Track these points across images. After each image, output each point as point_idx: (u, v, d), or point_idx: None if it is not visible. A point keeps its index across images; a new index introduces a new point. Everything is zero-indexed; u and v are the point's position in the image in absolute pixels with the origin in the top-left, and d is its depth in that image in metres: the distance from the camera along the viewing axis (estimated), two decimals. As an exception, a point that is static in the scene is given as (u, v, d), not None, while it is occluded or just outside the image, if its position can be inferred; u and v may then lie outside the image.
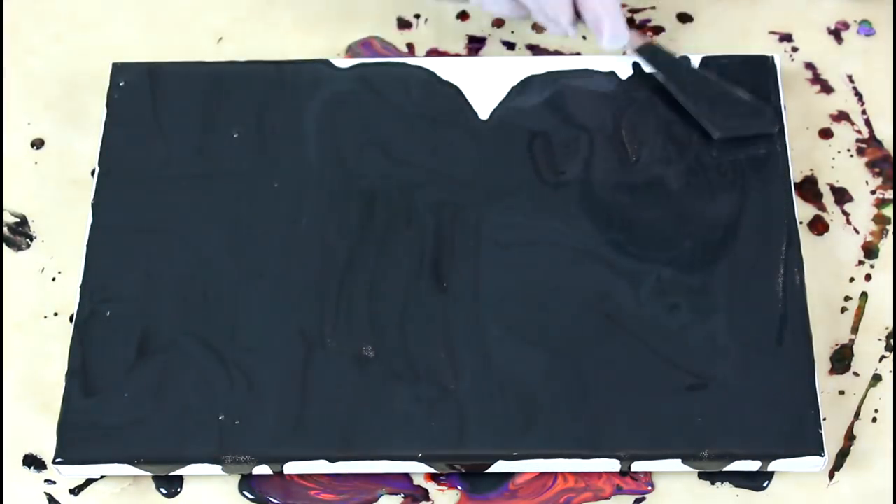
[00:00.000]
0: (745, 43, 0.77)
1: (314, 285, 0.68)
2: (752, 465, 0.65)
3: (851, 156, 0.74)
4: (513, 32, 0.78)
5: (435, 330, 0.67)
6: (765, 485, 0.66)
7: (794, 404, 0.65)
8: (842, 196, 0.73)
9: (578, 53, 0.77)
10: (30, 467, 0.67)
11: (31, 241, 0.72)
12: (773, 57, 0.74)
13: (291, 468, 0.65)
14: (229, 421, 0.65)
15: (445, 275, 0.68)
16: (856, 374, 0.68)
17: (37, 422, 0.68)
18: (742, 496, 0.66)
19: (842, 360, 0.69)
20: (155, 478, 0.67)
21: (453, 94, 0.73)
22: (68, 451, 0.65)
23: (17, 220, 0.73)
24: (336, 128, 0.73)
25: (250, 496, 0.66)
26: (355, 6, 0.79)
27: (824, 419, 0.66)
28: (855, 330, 0.69)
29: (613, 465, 0.65)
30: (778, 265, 0.68)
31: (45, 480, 0.67)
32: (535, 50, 0.77)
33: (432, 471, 0.66)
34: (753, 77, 0.73)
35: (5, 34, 0.78)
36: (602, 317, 0.67)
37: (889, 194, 0.73)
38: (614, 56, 0.75)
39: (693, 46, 0.77)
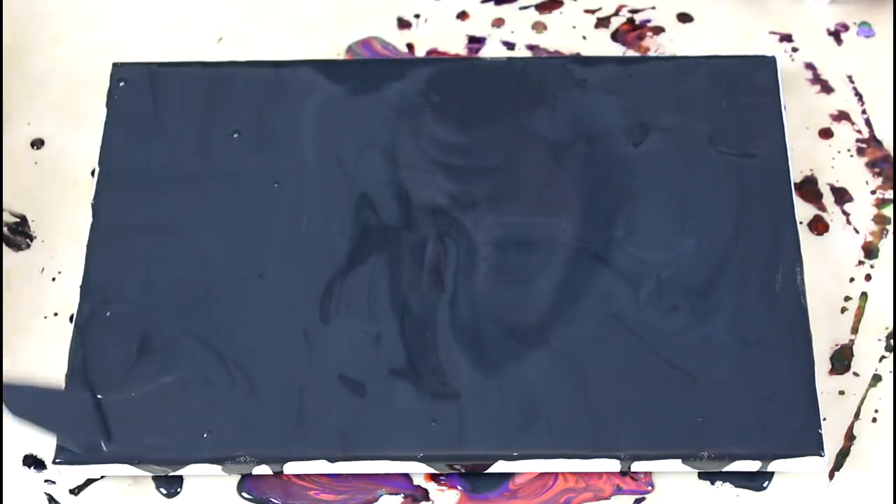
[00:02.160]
0: (745, 43, 0.77)
1: (314, 285, 0.68)
2: (752, 465, 0.65)
3: (851, 156, 0.74)
4: (512, 32, 0.78)
5: (435, 330, 0.67)
6: (765, 485, 0.66)
7: (794, 404, 0.65)
8: (842, 196, 0.73)
9: (578, 53, 0.77)
10: (30, 467, 0.67)
11: (31, 241, 0.72)
12: (773, 57, 0.74)
13: (291, 468, 0.65)
14: (227, 422, 0.65)
15: (445, 275, 0.68)
16: (856, 374, 0.68)
17: (37, 422, 0.68)
18: (742, 496, 0.66)
19: (842, 360, 0.69)
20: (155, 478, 0.67)
21: (453, 94, 0.73)
22: (68, 451, 0.65)
23: (17, 220, 0.73)
24: (336, 128, 0.73)
25: (249, 496, 0.66)
26: (355, 6, 0.79)
27: (824, 419, 0.66)
28: (855, 330, 0.69)
29: (613, 465, 0.65)
30: (778, 265, 0.68)
31: (45, 480, 0.67)
32: (535, 50, 0.77)
33: (432, 471, 0.66)
34: (753, 77, 0.73)
35: (5, 34, 0.78)
36: (602, 317, 0.67)
37: (889, 194, 0.73)
38: (611, 55, 0.75)
39: (693, 46, 0.77)
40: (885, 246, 0.71)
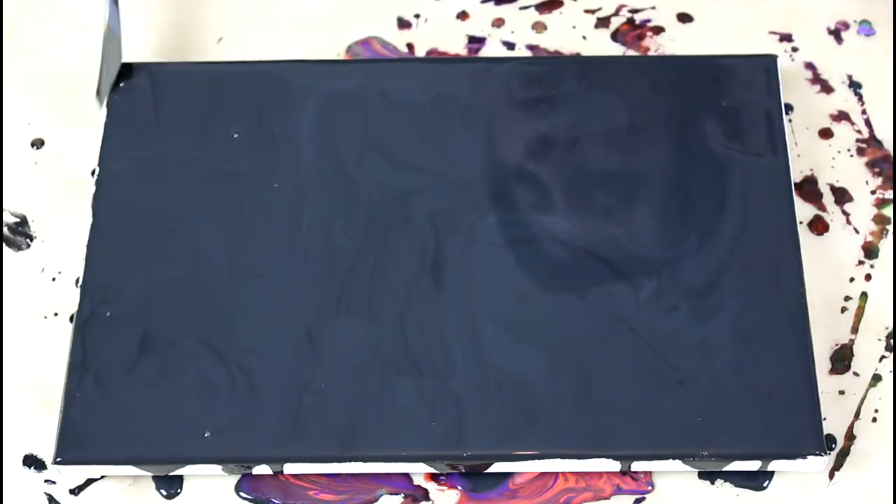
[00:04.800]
0: (745, 43, 0.77)
1: (314, 285, 0.68)
2: (752, 465, 0.65)
3: (851, 156, 0.74)
4: (512, 32, 0.78)
5: (435, 330, 0.67)
6: (765, 485, 0.66)
7: (794, 404, 0.65)
8: (842, 196, 0.73)
9: (578, 53, 0.77)
10: (30, 467, 0.67)
11: (31, 241, 0.72)
12: (774, 56, 0.74)
13: (292, 468, 0.65)
14: (228, 422, 0.65)
15: (445, 275, 0.68)
16: (856, 374, 0.68)
17: (37, 422, 0.68)
18: (742, 496, 0.66)
19: (842, 360, 0.69)
20: (155, 478, 0.67)
21: (453, 94, 0.73)
22: (68, 451, 0.65)
23: (17, 220, 0.73)
24: (336, 128, 0.73)
25: (248, 496, 0.66)
26: (355, 6, 0.79)
27: (824, 419, 0.66)
28: (855, 330, 0.69)
29: (613, 465, 0.65)
30: (778, 265, 0.68)
31: (45, 480, 0.67)
32: (535, 50, 0.77)
33: (432, 471, 0.66)
34: (753, 77, 0.73)
35: (5, 34, 0.78)
36: (601, 316, 0.67)
37: (889, 194, 0.73)
38: (611, 55, 0.75)
39: (693, 46, 0.77)
40: (885, 246, 0.71)
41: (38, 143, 0.75)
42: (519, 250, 0.69)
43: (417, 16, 0.79)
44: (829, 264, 0.71)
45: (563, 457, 0.65)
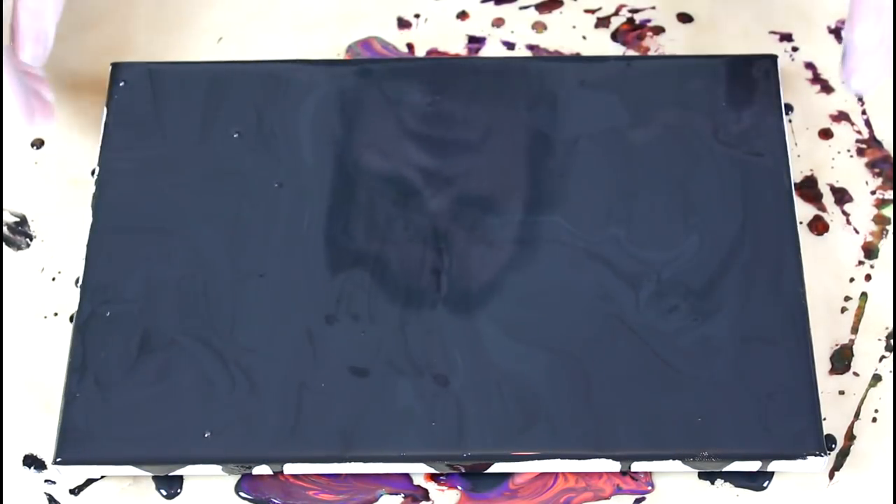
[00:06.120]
0: (745, 43, 0.77)
1: (314, 285, 0.68)
2: (752, 465, 0.65)
3: (851, 156, 0.74)
4: (512, 32, 0.78)
5: (435, 330, 0.67)
6: (765, 485, 0.66)
7: (794, 404, 0.65)
8: (842, 196, 0.73)
9: (578, 53, 0.77)
10: (30, 467, 0.67)
11: (31, 241, 0.72)
12: (774, 57, 0.74)
13: (292, 468, 0.65)
14: (228, 422, 0.65)
15: (445, 274, 0.68)
16: (856, 374, 0.68)
17: (37, 422, 0.68)
18: (742, 496, 0.66)
19: (842, 360, 0.69)
20: (155, 478, 0.67)
21: (453, 94, 0.73)
22: (68, 451, 0.65)
23: (17, 220, 0.73)
24: (336, 127, 0.73)
25: (248, 496, 0.66)
26: (355, 6, 0.79)
27: (824, 419, 0.67)
28: (855, 330, 0.69)
29: (613, 465, 0.65)
30: (778, 265, 0.68)
31: (45, 480, 0.67)
32: (535, 49, 0.77)
33: (432, 471, 0.66)
34: (754, 77, 0.73)
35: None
36: (601, 316, 0.67)
37: (889, 194, 0.73)
38: (612, 54, 0.75)
39: (693, 46, 0.77)
40: (885, 246, 0.71)
41: (38, 143, 0.75)
42: (519, 250, 0.69)
43: (417, 16, 0.79)
44: (829, 264, 0.71)
45: (563, 457, 0.65)
